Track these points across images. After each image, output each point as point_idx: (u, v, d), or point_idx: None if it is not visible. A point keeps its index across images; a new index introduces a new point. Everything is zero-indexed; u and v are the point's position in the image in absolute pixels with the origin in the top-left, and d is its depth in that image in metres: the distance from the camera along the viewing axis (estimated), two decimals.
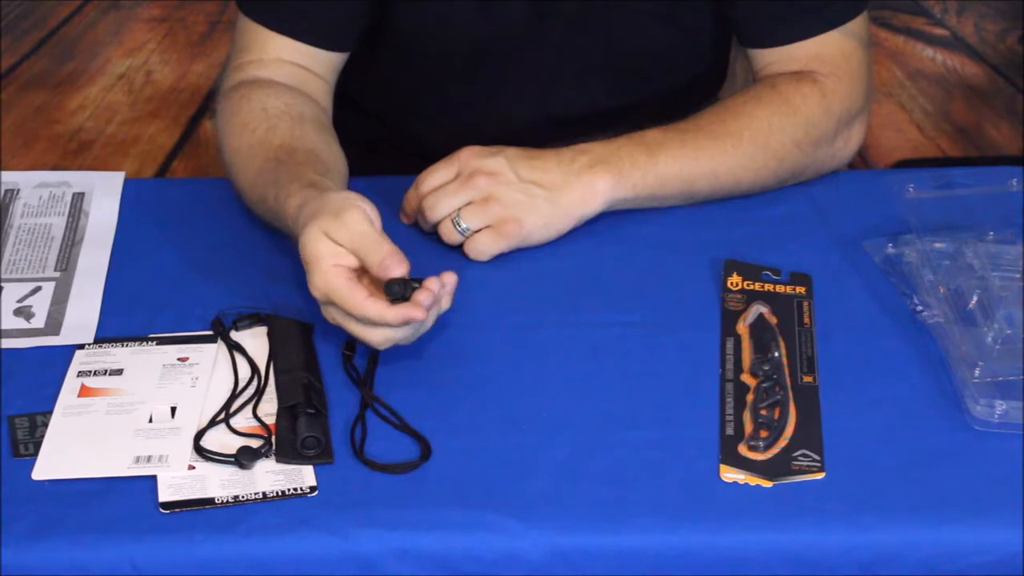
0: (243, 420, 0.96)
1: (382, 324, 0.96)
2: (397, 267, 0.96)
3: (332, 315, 0.99)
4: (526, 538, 0.87)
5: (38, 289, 1.10)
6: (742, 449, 0.93)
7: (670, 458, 0.93)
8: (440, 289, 0.97)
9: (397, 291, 0.95)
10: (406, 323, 0.96)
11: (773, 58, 1.26)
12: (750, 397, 0.98)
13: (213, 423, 0.95)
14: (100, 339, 1.04)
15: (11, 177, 1.26)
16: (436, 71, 1.32)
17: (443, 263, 1.01)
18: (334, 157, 1.17)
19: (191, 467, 0.91)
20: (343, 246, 0.97)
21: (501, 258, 1.13)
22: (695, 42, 1.33)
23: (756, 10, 1.26)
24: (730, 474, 0.91)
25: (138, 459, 0.92)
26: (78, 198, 1.23)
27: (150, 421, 0.95)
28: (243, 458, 0.91)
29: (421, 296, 0.96)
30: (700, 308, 1.08)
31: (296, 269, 1.09)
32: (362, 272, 0.98)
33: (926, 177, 1.20)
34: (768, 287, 1.09)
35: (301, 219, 1.00)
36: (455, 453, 0.93)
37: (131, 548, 0.86)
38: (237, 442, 0.93)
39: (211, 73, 3.20)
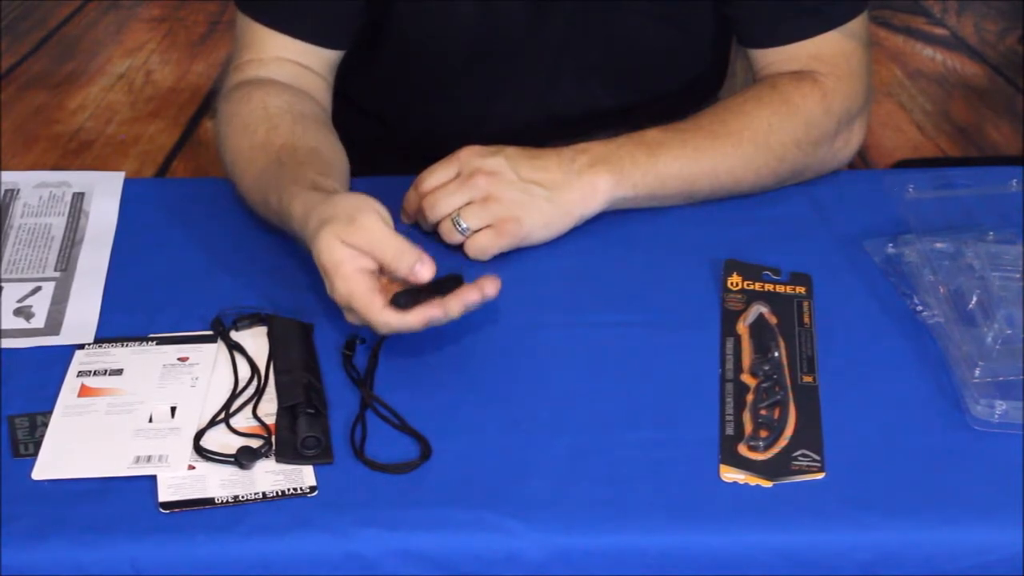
0: (243, 420, 0.96)
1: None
2: (426, 272, 0.97)
3: (353, 319, 0.99)
4: (526, 538, 0.87)
5: (38, 289, 1.10)
6: (742, 449, 0.93)
7: (670, 458, 0.93)
8: (478, 297, 0.98)
9: (403, 303, 0.96)
10: (426, 326, 0.97)
11: (773, 58, 1.26)
12: (750, 397, 0.98)
13: (213, 423, 0.95)
14: (100, 339, 1.04)
15: (11, 177, 1.26)
16: (436, 71, 1.32)
17: (443, 263, 1.00)
18: (335, 154, 1.17)
19: (191, 467, 0.91)
20: (360, 249, 0.97)
21: (501, 258, 1.13)
22: (695, 42, 1.33)
23: (756, 10, 1.26)
24: (730, 474, 0.91)
25: (138, 459, 0.92)
26: (78, 198, 1.23)
27: (150, 421, 0.95)
28: (243, 458, 0.91)
29: (453, 305, 0.97)
30: (700, 308, 1.08)
31: (296, 269, 1.09)
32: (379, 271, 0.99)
33: (926, 177, 1.20)
34: (768, 287, 1.09)
35: (311, 224, 1.00)
36: (455, 453, 0.93)
37: (131, 548, 0.86)
38: (237, 442, 0.93)
39: (211, 73, 3.20)
